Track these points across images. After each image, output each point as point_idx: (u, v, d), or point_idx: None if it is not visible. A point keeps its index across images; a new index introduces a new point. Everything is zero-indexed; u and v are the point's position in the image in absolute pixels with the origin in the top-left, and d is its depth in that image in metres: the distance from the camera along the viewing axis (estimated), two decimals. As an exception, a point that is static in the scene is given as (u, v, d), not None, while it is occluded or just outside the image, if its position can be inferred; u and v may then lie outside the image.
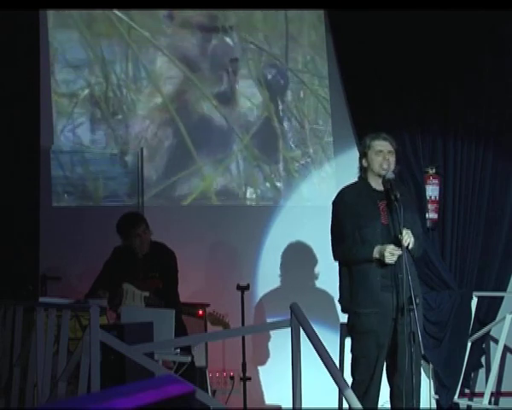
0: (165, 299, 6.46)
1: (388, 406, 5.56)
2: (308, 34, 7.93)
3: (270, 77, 7.88)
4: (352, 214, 5.33)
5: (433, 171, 7.27)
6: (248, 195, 7.77)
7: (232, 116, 7.79)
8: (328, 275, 7.41)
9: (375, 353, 5.25)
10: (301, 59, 7.94)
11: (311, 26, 7.92)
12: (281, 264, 7.58)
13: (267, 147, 7.80)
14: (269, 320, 7.44)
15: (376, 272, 5.23)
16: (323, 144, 7.84)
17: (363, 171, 5.46)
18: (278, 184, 7.78)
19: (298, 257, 7.60)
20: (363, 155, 5.46)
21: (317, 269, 7.55)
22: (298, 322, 4.67)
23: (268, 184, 7.78)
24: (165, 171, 7.66)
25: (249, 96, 7.84)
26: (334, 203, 5.47)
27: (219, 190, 7.73)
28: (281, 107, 7.90)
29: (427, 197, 7.20)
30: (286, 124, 7.87)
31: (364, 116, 7.46)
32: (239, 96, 7.82)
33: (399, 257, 5.15)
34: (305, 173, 7.81)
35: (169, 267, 6.60)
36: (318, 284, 7.54)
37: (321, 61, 7.92)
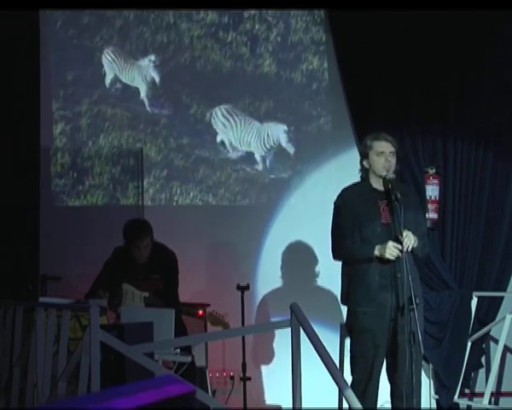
0: (164, 299, 6.46)
1: (388, 406, 5.56)
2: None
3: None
4: (352, 214, 5.33)
5: (433, 171, 7.26)
6: (248, 194, 7.76)
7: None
8: (328, 275, 7.41)
9: (372, 352, 5.26)
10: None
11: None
12: (281, 264, 7.58)
13: (267, 147, 7.80)
14: (269, 320, 7.44)
15: (375, 272, 5.23)
16: (324, 144, 7.83)
17: (364, 172, 5.45)
18: (278, 184, 7.78)
19: (298, 257, 7.59)
20: (364, 155, 5.44)
21: (318, 269, 7.54)
22: (298, 322, 4.67)
23: (268, 184, 7.78)
24: (165, 170, 7.66)
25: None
26: (335, 204, 5.47)
27: (220, 189, 7.73)
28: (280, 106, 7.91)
29: (428, 197, 7.19)
30: (286, 123, 7.87)
31: (364, 116, 7.45)
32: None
33: (399, 257, 5.15)
34: (306, 173, 7.80)
35: (170, 269, 6.60)
36: (318, 283, 7.54)
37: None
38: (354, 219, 5.31)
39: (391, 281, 5.20)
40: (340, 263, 5.47)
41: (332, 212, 5.48)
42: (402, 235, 5.12)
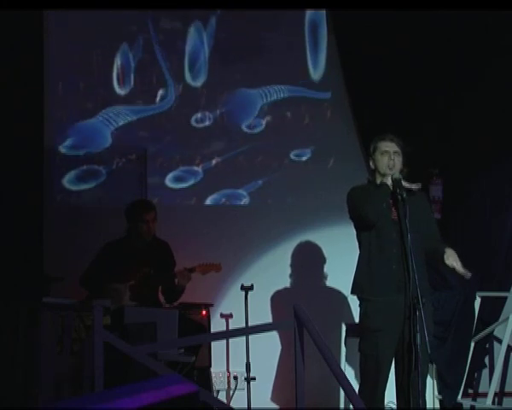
0: (166, 293, 6.51)
1: (392, 406, 5.55)
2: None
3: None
4: (366, 196, 5.33)
5: (437, 171, 7.26)
6: (252, 194, 7.77)
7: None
8: (332, 275, 7.43)
9: (383, 351, 5.24)
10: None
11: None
12: (285, 264, 7.57)
13: (268, 147, 7.81)
14: (273, 321, 7.44)
15: (394, 261, 5.24)
16: (325, 145, 7.83)
17: (372, 173, 5.48)
18: (281, 184, 7.79)
19: (302, 257, 7.59)
20: (370, 156, 5.48)
21: (322, 270, 7.54)
22: (301, 323, 4.67)
23: (271, 184, 7.79)
24: (168, 171, 7.67)
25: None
26: (348, 194, 5.47)
27: (223, 189, 7.73)
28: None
29: (431, 198, 7.19)
30: (287, 124, 7.88)
31: (367, 118, 7.46)
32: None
33: (405, 256, 5.16)
34: (307, 174, 7.81)
35: (166, 261, 6.63)
36: (322, 284, 7.54)
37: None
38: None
39: (404, 280, 5.19)
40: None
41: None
42: (408, 231, 5.11)
